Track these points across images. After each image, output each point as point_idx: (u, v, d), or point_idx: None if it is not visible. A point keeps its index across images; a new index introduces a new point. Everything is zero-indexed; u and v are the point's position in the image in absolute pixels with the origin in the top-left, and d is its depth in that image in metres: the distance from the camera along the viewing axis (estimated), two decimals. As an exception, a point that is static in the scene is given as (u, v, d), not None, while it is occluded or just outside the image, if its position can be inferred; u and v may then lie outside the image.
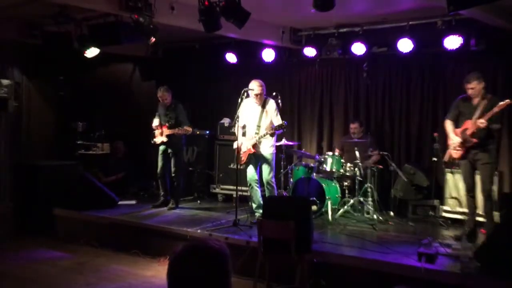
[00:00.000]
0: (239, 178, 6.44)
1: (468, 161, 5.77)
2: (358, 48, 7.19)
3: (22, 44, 7.72)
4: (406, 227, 6.47)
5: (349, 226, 6.43)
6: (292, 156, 7.74)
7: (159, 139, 7.45)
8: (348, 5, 6.12)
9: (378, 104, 7.77)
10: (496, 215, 6.12)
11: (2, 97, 7.37)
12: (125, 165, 9.01)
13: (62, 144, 8.84)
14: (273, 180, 6.51)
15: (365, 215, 6.80)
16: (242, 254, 5.33)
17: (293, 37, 7.84)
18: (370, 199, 6.77)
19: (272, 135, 6.39)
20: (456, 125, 5.85)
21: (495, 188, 6.17)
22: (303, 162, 7.62)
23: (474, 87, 5.62)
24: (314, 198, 6.79)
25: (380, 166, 7.10)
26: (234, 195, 6.91)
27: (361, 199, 6.81)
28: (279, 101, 6.79)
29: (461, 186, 6.32)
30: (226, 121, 8.46)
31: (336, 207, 6.90)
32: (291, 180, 7.26)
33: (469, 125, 5.62)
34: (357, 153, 6.76)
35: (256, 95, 6.39)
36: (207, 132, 8.71)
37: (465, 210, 6.09)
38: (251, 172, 6.53)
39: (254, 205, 6.59)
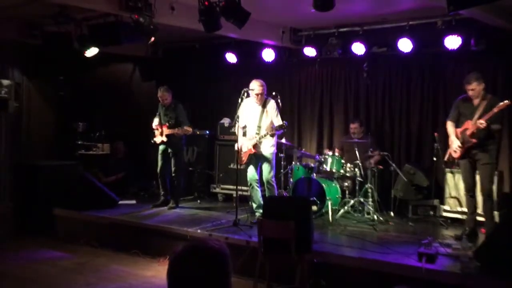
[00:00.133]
0: (239, 178, 6.44)
1: (468, 161, 5.78)
2: (358, 48, 7.19)
3: (22, 44, 7.72)
4: (406, 227, 6.47)
5: (349, 226, 6.42)
6: (292, 156, 7.74)
7: (159, 138, 7.45)
8: (348, 5, 6.12)
9: (378, 104, 7.77)
10: (496, 215, 6.11)
11: (2, 98, 7.37)
12: (125, 165, 9.01)
13: (62, 144, 8.85)
14: (274, 179, 6.51)
15: (366, 215, 6.80)
16: (242, 254, 5.33)
17: (293, 37, 7.84)
18: (370, 199, 6.76)
19: (272, 135, 6.39)
20: (457, 125, 5.85)
21: (495, 188, 6.17)
22: (303, 162, 7.62)
23: (474, 88, 5.63)
24: (314, 198, 6.79)
25: (380, 167, 7.10)
26: (234, 195, 6.91)
27: (362, 199, 6.81)
28: (279, 101, 6.80)
29: (461, 186, 6.32)
30: (226, 121, 8.46)
31: (337, 207, 6.90)
32: (291, 180, 7.26)
33: (469, 126, 5.63)
34: (357, 153, 6.77)
35: (257, 94, 6.39)
36: (207, 132, 8.71)
37: (465, 210, 6.09)
38: (251, 172, 6.53)
39: (254, 205, 6.59)
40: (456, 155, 5.78)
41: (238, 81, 7.70)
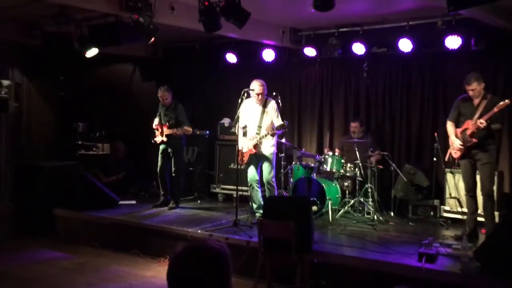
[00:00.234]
0: (239, 178, 6.44)
1: (468, 161, 5.77)
2: (358, 48, 7.19)
3: (22, 44, 7.72)
4: (406, 227, 6.47)
5: (349, 226, 6.42)
6: (292, 156, 7.74)
7: (159, 138, 7.46)
8: (348, 5, 6.12)
9: (378, 104, 7.77)
10: (496, 215, 6.11)
11: (2, 98, 7.38)
12: (125, 165, 9.01)
13: (62, 144, 8.85)
14: (274, 179, 6.51)
15: (366, 215, 6.80)
16: (242, 254, 5.34)
17: (293, 37, 7.83)
18: (370, 199, 6.76)
19: (273, 135, 6.40)
20: (457, 125, 5.86)
21: (495, 188, 6.17)
22: (303, 162, 7.63)
23: (474, 89, 5.63)
24: (315, 198, 6.79)
25: (381, 166, 7.10)
26: (235, 195, 6.92)
27: (362, 199, 6.81)
28: (279, 101, 6.81)
29: (461, 186, 6.32)
30: (226, 121, 8.46)
31: (337, 207, 6.90)
32: (291, 180, 7.26)
33: (469, 125, 5.63)
34: (357, 153, 6.76)
35: (258, 94, 6.39)
36: (207, 132, 8.70)
37: (465, 210, 6.09)
38: (252, 172, 6.53)
39: (254, 206, 6.59)
40: (456, 155, 5.78)
41: (238, 81, 7.70)
